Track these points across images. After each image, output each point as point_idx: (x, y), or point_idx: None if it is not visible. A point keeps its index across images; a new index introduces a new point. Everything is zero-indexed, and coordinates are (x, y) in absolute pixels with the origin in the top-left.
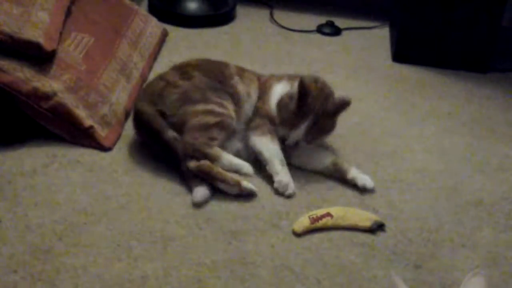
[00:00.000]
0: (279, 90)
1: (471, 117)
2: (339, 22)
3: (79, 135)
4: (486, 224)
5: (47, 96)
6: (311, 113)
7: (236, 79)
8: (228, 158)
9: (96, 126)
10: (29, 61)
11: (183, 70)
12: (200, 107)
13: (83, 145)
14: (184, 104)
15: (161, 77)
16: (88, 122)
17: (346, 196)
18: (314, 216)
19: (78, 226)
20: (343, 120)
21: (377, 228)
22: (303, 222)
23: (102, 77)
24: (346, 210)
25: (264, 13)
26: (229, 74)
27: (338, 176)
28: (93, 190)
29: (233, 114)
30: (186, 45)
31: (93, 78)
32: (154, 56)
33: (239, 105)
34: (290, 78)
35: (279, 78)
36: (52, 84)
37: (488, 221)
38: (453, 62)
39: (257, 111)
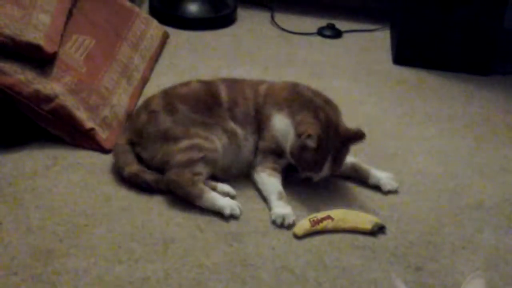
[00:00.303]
0: (279, 124)
1: (472, 120)
2: (340, 24)
3: (80, 137)
4: (487, 226)
5: (48, 98)
6: (330, 152)
7: (230, 123)
8: (210, 198)
9: (97, 128)
10: (30, 64)
11: (169, 100)
12: (184, 143)
13: (84, 147)
14: (166, 143)
15: (146, 104)
16: (89, 124)
17: (347, 198)
18: (315, 219)
19: (79, 228)
20: (344, 123)
21: (378, 230)
22: (303, 224)
23: (103, 79)
24: (346, 212)
25: (265, 15)
26: (222, 113)
27: (358, 179)
28: (94, 192)
29: (219, 147)
30: (187, 47)
31: (94, 80)
32: (155, 58)
33: (238, 146)
34: (291, 105)
35: (278, 103)
36: (53, 86)
37: (489, 223)
38: (454, 64)
39: (260, 148)
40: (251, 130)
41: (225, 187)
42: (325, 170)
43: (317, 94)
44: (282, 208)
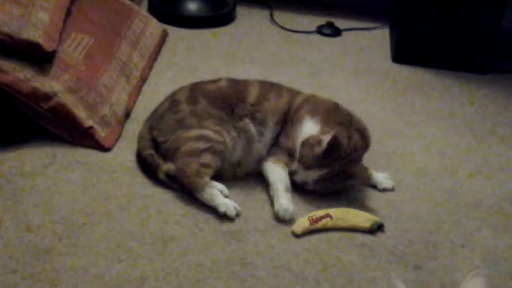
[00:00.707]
0: (309, 129)
1: (471, 118)
2: (339, 23)
3: (79, 136)
4: (486, 225)
5: (47, 97)
6: (331, 166)
7: (246, 121)
8: (211, 194)
9: (96, 126)
10: (29, 62)
11: (193, 93)
12: (194, 132)
13: (83, 145)
14: (179, 129)
15: (173, 94)
16: (88, 122)
17: (345, 197)
18: (314, 217)
19: (78, 227)
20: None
21: (377, 229)
22: (302, 223)
23: (102, 77)
24: (345, 211)
25: (264, 14)
26: (242, 112)
27: None
28: (93, 190)
29: (228, 141)
30: (186, 45)
31: (93, 78)
32: (154, 56)
33: (250, 145)
34: (327, 115)
35: (315, 110)
36: (52, 84)
37: (487, 222)
38: (453, 63)
39: (278, 144)
40: (271, 126)
41: (219, 185)
42: (312, 175)
43: (355, 118)
44: (287, 201)
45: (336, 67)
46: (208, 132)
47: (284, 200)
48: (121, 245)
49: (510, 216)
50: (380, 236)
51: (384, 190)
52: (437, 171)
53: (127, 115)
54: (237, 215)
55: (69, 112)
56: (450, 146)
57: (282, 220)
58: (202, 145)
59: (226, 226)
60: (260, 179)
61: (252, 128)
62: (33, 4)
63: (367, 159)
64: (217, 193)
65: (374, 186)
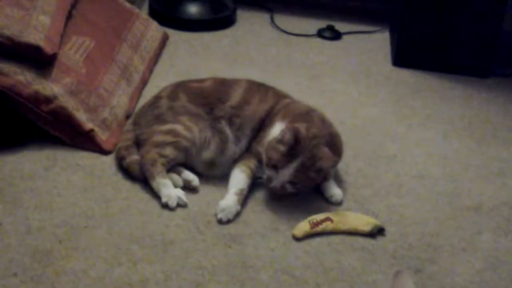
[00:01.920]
0: (275, 130)
1: (471, 122)
2: (339, 26)
3: (80, 139)
4: (486, 228)
5: (47, 100)
6: (298, 157)
7: (223, 123)
8: (160, 183)
9: (96, 129)
10: (30, 65)
11: (176, 89)
12: (166, 127)
13: (83, 148)
14: (155, 123)
15: (160, 91)
16: (88, 125)
17: (346, 200)
18: (314, 221)
19: (78, 230)
20: (344, 124)
21: (377, 232)
22: (303, 226)
23: (103, 80)
24: (346, 214)
25: (264, 17)
26: (220, 113)
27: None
28: (93, 193)
29: (197, 139)
30: (187, 48)
31: (93, 81)
32: (155, 59)
33: (224, 146)
34: (296, 118)
35: (287, 114)
36: (52, 87)
37: (488, 225)
38: (454, 66)
39: (250, 148)
40: (248, 133)
41: (190, 175)
42: (288, 172)
43: (327, 123)
44: (229, 201)
45: (336, 70)
46: (178, 127)
47: (225, 201)
48: (122, 248)
49: (510, 220)
50: (381, 240)
51: (330, 202)
52: (437, 175)
53: (127, 118)
54: (182, 205)
55: (69, 115)
56: (451, 150)
57: (219, 220)
58: (168, 138)
59: (226, 230)
60: (259, 183)
61: (228, 131)
62: (34, 7)
63: (368, 162)
64: (166, 184)
65: (322, 194)
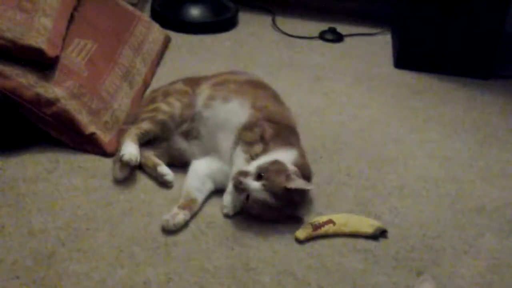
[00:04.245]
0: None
1: (473, 124)
2: (341, 28)
3: (82, 141)
4: (489, 230)
5: (50, 102)
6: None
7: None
8: (124, 143)
9: (98, 132)
10: (32, 67)
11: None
12: (152, 106)
13: (85, 151)
14: (147, 105)
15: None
16: (90, 128)
17: (348, 202)
18: (317, 223)
19: (80, 232)
20: (346, 126)
21: (380, 234)
22: (305, 229)
23: (105, 83)
24: (348, 216)
25: (266, 19)
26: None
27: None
28: (96, 196)
29: (177, 114)
30: (189, 51)
31: (95, 84)
32: (157, 62)
33: (195, 122)
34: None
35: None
36: (55, 90)
37: (490, 227)
38: (456, 68)
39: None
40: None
41: (164, 170)
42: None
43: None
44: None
45: (338, 72)
46: (161, 105)
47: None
48: (124, 250)
49: None
50: (383, 242)
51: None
52: (439, 176)
53: None
54: (132, 164)
55: (71, 117)
56: (453, 152)
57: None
58: (148, 115)
59: (229, 231)
60: None
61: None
62: (36, 10)
63: (370, 165)
64: (130, 144)
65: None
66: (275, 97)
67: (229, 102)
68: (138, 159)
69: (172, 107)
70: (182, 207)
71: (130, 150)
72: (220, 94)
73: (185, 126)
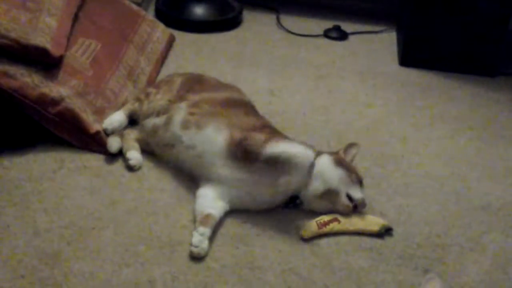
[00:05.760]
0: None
1: (479, 121)
2: (346, 26)
3: (87, 140)
4: (494, 228)
5: (54, 102)
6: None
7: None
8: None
9: (103, 131)
10: (36, 67)
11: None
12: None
13: (90, 150)
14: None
15: None
16: (95, 127)
17: None
18: (322, 221)
19: (86, 231)
20: (350, 125)
21: (385, 232)
22: (310, 227)
23: (109, 82)
24: (353, 215)
25: (270, 18)
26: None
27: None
28: (101, 195)
29: (148, 106)
30: (193, 50)
31: (100, 83)
32: (161, 61)
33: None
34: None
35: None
36: (59, 89)
37: (496, 225)
38: (461, 66)
39: None
40: None
41: (132, 154)
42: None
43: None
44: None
45: (343, 70)
46: (141, 94)
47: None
48: (129, 250)
49: None
50: (388, 240)
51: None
52: (445, 174)
53: None
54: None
55: (76, 116)
56: (458, 149)
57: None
58: (130, 103)
59: (234, 230)
60: None
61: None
62: (40, 10)
63: (375, 162)
64: (113, 117)
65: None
66: (249, 111)
67: (204, 129)
68: (113, 143)
69: (148, 97)
70: (201, 223)
71: (111, 141)
72: (194, 120)
73: (164, 143)
